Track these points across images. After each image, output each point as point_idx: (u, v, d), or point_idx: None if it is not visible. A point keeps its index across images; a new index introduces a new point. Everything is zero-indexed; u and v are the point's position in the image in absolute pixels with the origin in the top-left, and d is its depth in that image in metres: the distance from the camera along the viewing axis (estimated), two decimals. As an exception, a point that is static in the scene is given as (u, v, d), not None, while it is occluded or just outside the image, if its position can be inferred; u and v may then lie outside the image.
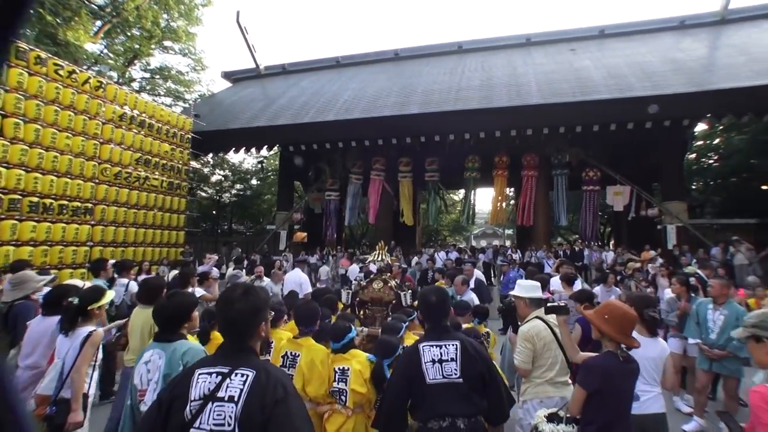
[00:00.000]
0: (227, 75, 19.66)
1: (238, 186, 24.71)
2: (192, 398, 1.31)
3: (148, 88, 23.09)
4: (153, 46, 20.39)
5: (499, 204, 14.09)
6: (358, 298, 4.66)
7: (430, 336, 2.16)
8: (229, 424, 1.26)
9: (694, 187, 17.58)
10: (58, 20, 13.35)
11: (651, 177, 13.86)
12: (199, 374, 1.36)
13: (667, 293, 5.24)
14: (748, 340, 1.92)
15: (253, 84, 17.97)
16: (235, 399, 1.28)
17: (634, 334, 2.30)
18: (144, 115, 11.52)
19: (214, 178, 24.49)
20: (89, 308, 2.84)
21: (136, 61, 21.74)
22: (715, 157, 17.21)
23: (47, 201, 8.79)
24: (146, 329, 3.14)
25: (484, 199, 57.48)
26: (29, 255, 8.43)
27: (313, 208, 16.25)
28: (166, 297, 2.47)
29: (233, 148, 14.99)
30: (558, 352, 2.71)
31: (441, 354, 2.05)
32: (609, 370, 2.10)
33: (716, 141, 16.81)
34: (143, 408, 1.98)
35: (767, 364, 1.86)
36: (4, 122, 8.17)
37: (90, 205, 9.80)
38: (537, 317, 2.83)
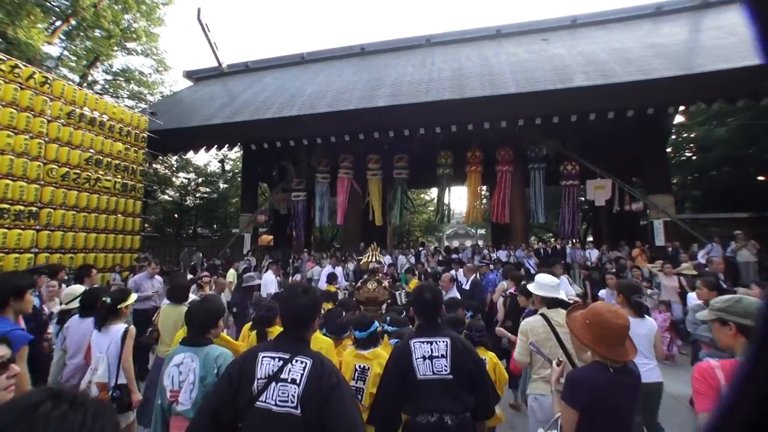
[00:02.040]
0: (189, 74, 18.53)
1: (203, 189, 23.52)
2: (258, 376, 1.55)
3: (110, 90, 21.88)
4: (114, 48, 19.20)
5: (475, 202, 13.38)
6: (354, 299, 4.83)
7: (421, 332, 2.21)
8: (292, 402, 1.49)
9: (674, 182, 17.29)
10: (8, 18, 12.16)
11: (632, 170, 13.36)
12: (263, 357, 1.60)
13: (692, 300, 4.50)
14: (713, 322, 1.90)
15: (214, 83, 16.91)
16: (297, 381, 1.52)
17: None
18: (95, 112, 10.42)
19: (177, 181, 23.25)
20: (119, 307, 3.23)
21: (98, 63, 20.49)
22: (693, 150, 16.94)
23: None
24: (179, 324, 3.50)
25: (456, 198, 57.18)
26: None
27: (279, 209, 15.27)
28: (198, 302, 2.67)
29: (193, 149, 13.93)
30: (557, 350, 2.64)
31: (432, 350, 2.10)
32: (598, 383, 1.82)
33: (692, 134, 16.52)
34: (176, 407, 2.15)
35: (729, 346, 1.85)
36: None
37: (34, 209, 8.69)
38: (540, 313, 2.87)
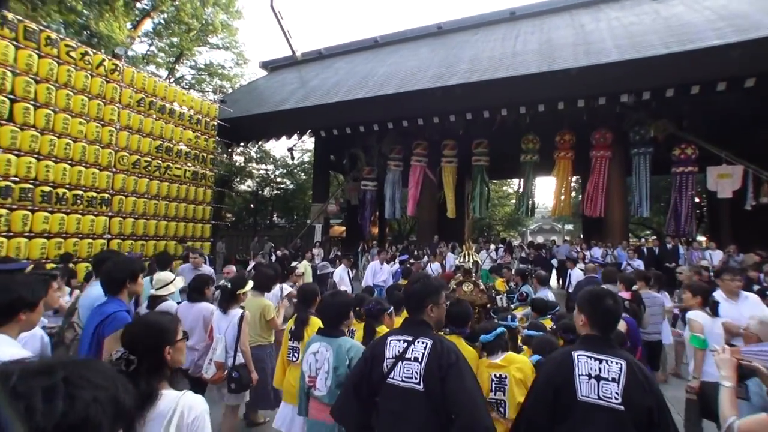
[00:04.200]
0: (265, 65, 19.02)
1: (281, 180, 24.29)
2: (387, 357, 1.81)
3: (195, 85, 23.46)
4: (196, 42, 20.49)
5: (563, 192, 11.84)
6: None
7: (587, 345, 1.84)
8: (416, 378, 1.71)
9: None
10: (90, 11, 13.27)
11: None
12: (390, 340, 1.86)
13: None
14: None
15: (288, 71, 17.09)
16: (419, 360, 1.73)
17: (700, 314, 3.33)
18: (164, 100, 10.84)
19: (257, 172, 24.28)
20: (237, 293, 3.50)
21: (183, 59, 22.09)
22: None
23: (60, 191, 8.27)
24: (257, 314, 3.78)
25: (540, 190, 53.09)
26: (42, 248, 7.96)
27: (350, 199, 15.00)
28: (330, 295, 2.81)
29: (264, 137, 14.21)
30: None
31: (600, 370, 1.74)
32: None
33: None
34: (314, 392, 2.40)
35: None
36: (13, 107, 7.71)
37: (107, 196, 9.23)
38: None
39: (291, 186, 24.42)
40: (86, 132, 8.81)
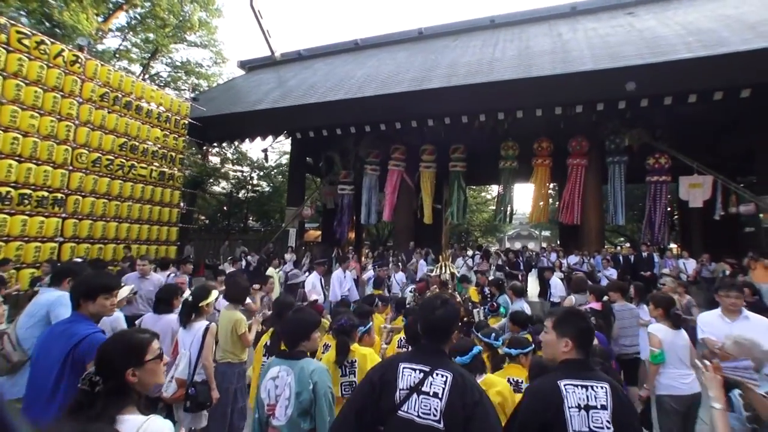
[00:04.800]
0: (243, 65, 18.51)
1: (255, 182, 23.69)
2: (400, 387, 1.62)
3: (171, 83, 22.67)
4: (172, 38, 19.81)
5: (541, 199, 11.80)
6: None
7: (571, 372, 1.68)
8: (435, 416, 1.54)
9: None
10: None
11: (740, 165, 11.05)
12: (404, 367, 1.66)
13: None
14: None
15: (267, 71, 16.65)
16: (440, 395, 1.57)
17: (662, 328, 3.34)
18: (131, 96, 10.24)
19: (232, 173, 23.63)
20: (200, 305, 3.27)
21: (158, 56, 21.32)
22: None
23: (4, 189, 7.58)
24: (228, 328, 3.49)
25: (518, 196, 53.89)
26: (-20, 251, 7.32)
27: (326, 203, 14.62)
28: (293, 312, 2.63)
29: (239, 138, 13.68)
30: None
31: (587, 398, 1.62)
32: None
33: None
34: (272, 422, 2.15)
35: None
36: (-50, 96, 7.10)
37: (60, 196, 8.58)
38: None
39: (267, 189, 23.82)
40: (39, 126, 8.16)
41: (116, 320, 3.34)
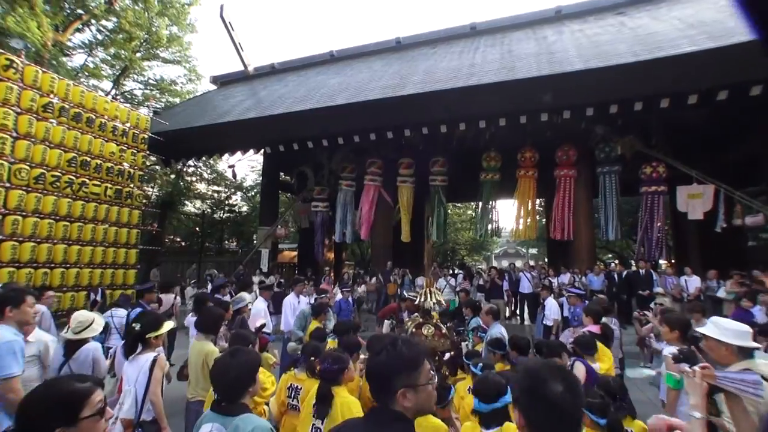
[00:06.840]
0: (215, 80, 17.67)
1: (232, 201, 22.66)
2: None
3: (145, 102, 21.82)
4: (140, 53, 19.01)
5: (526, 214, 10.96)
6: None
7: None
8: None
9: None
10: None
11: (744, 174, 10.30)
12: None
13: None
14: None
15: (239, 86, 15.83)
16: None
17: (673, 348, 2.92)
18: (81, 107, 9.24)
19: (207, 192, 22.59)
20: (148, 336, 2.95)
21: (129, 72, 20.46)
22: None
23: None
24: (199, 362, 3.16)
25: (505, 213, 53.35)
26: None
27: (298, 222, 13.64)
28: (228, 354, 2.03)
29: (206, 153, 12.77)
30: None
31: None
32: None
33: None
34: None
35: None
36: None
37: None
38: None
39: (244, 208, 22.78)
40: (-33, 139, 7.17)
41: (96, 350, 3.14)
